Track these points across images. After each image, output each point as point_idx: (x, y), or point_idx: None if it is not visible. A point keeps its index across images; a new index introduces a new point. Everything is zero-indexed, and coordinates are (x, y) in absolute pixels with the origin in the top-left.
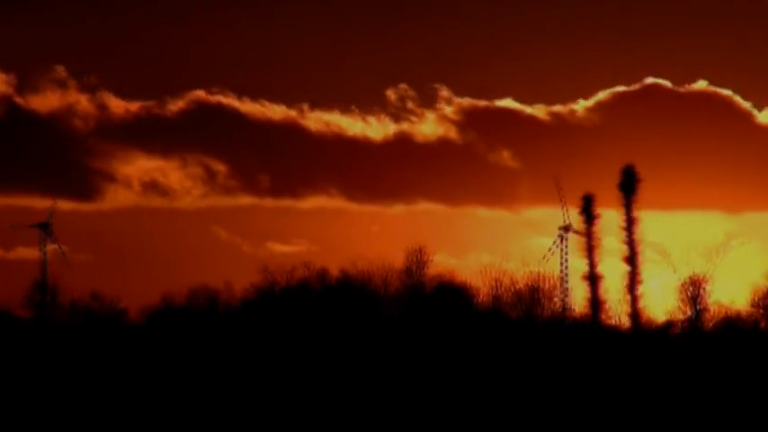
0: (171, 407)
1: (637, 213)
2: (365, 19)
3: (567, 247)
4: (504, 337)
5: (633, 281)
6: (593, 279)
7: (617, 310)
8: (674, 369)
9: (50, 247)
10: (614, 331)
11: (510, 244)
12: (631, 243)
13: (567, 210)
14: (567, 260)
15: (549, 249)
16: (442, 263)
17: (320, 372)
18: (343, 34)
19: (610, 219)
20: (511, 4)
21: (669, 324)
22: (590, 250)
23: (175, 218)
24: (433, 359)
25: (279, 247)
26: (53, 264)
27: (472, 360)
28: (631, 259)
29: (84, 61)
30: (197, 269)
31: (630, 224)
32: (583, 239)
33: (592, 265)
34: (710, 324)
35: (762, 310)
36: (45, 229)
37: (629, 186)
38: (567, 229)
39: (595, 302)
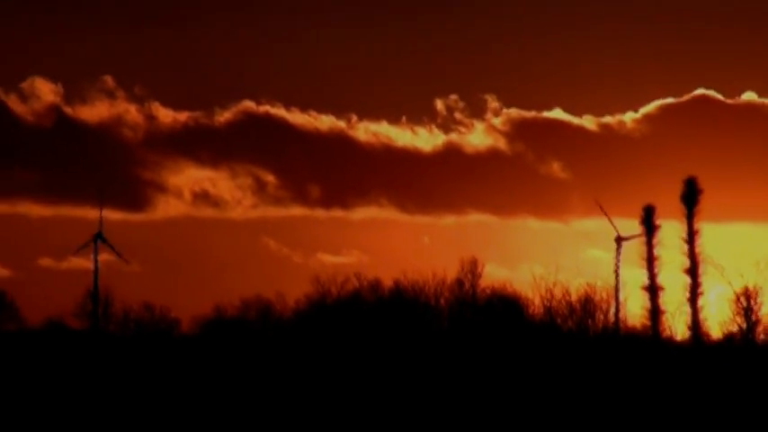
0: (225, 418)
1: (698, 225)
2: (413, 28)
3: (619, 258)
4: (557, 349)
5: (694, 293)
6: (653, 290)
7: (673, 322)
8: (728, 381)
9: (102, 256)
10: (670, 343)
11: (561, 255)
12: (692, 255)
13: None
14: (619, 271)
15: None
16: (494, 274)
17: (373, 383)
18: (390, 44)
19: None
20: (560, 15)
21: (728, 337)
22: (650, 261)
23: (226, 228)
24: (485, 371)
25: (329, 258)
26: (106, 274)
27: (525, 372)
28: (692, 271)
29: (132, 71)
30: (248, 280)
31: (692, 236)
32: (642, 250)
33: (652, 275)
34: (763, 336)
35: None
36: (98, 239)
37: (691, 198)
38: (620, 240)
39: (655, 313)
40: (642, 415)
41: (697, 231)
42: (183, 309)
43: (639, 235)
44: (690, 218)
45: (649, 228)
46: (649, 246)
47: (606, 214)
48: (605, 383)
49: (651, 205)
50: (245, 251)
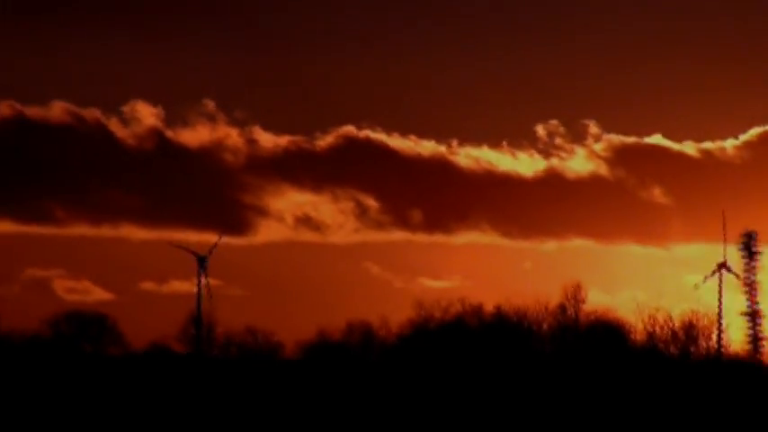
0: None
1: None
2: (513, 54)
3: (722, 284)
4: (659, 375)
5: None
6: (753, 316)
7: None
8: None
9: (205, 280)
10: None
11: (663, 281)
12: None
13: (725, 246)
14: (722, 298)
15: (704, 280)
16: (595, 300)
17: (475, 407)
18: (491, 70)
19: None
20: (660, 42)
21: None
22: (750, 286)
23: (327, 252)
24: (587, 396)
25: (430, 283)
26: (208, 298)
27: (628, 397)
28: None
29: (232, 95)
30: (349, 304)
31: None
32: (742, 277)
33: (752, 301)
34: None
35: None
36: (202, 262)
37: None
38: (723, 266)
39: (755, 339)
40: None
41: None
42: (286, 332)
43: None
44: None
45: (750, 253)
46: (750, 271)
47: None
48: (708, 409)
49: (752, 231)
50: (346, 275)
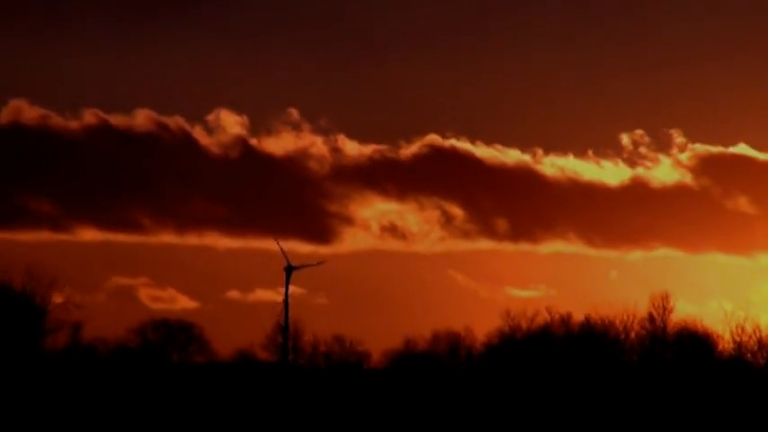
0: None
1: None
2: (598, 63)
3: None
4: (746, 385)
5: None
6: None
7: None
8: None
9: (293, 289)
10: None
11: (749, 290)
12: None
13: None
14: None
15: None
16: (681, 309)
17: (564, 417)
18: (576, 78)
19: None
20: (745, 50)
21: None
22: None
23: (413, 261)
24: (675, 406)
25: (517, 292)
26: (294, 306)
27: (715, 407)
28: None
29: (317, 104)
30: (435, 313)
31: None
32: None
33: None
34: None
35: None
36: (291, 271)
37: None
38: None
39: None
40: None
41: None
42: (371, 341)
43: None
44: None
45: None
46: None
47: None
48: None
49: None
50: (432, 284)
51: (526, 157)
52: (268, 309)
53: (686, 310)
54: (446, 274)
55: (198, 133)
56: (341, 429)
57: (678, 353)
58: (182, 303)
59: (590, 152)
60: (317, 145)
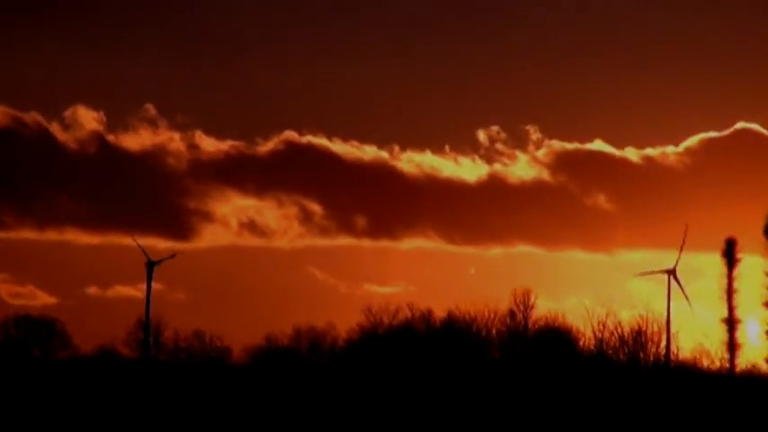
0: None
1: None
2: (454, 59)
3: (670, 291)
4: (607, 381)
5: None
6: (731, 323)
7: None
8: None
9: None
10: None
11: (610, 288)
12: None
13: (680, 254)
14: (670, 304)
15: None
16: (541, 306)
17: (425, 412)
18: (431, 74)
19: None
20: (599, 48)
21: None
22: (729, 294)
23: (272, 257)
24: (536, 402)
25: (376, 288)
26: (154, 302)
27: (576, 403)
28: None
29: (173, 100)
30: (295, 309)
31: None
32: (722, 283)
33: (731, 309)
34: None
35: None
36: (152, 267)
37: None
38: (670, 272)
39: (733, 347)
40: None
41: None
42: (232, 337)
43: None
44: None
45: (730, 260)
46: (729, 278)
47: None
48: (656, 416)
49: (732, 238)
50: (291, 281)
51: (383, 154)
52: (128, 304)
53: (547, 306)
54: (305, 270)
55: (55, 129)
56: (203, 424)
57: (540, 349)
58: (41, 299)
59: (447, 148)
60: (174, 141)
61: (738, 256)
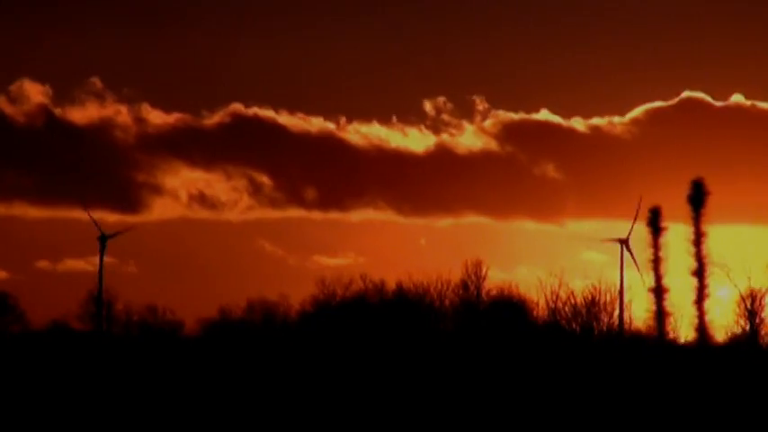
0: (230, 419)
1: (705, 227)
2: (398, 30)
3: (623, 260)
4: (561, 351)
5: (701, 295)
6: (659, 292)
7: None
8: (732, 383)
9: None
10: (675, 345)
11: (560, 257)
12: (699, 256)
13: (632, 224)
14: (623, 273)
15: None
16: (494, 276)
17: (377, 384)
18: (377, 45)
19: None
20: (545, 18)
21: (734, 339)
22: (656, 262)
23: (222, 230)
24: (489, 372)
25: (326, 260)
26: (106, 276)
27: (529, 373)
28: (699, 273)
29: (120, 73)
30: (245, 281)
31: (699, 237)
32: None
33: (658, 277)
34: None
35: None
36: (104, 241)
37: (698, 200)
38: (623, 242)
39: (661, 315)
40: (645, 416)
41: (704, 233)
42: (184, 310)
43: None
44: (697, 219)
45: (656, 229)
46: (656, 247)
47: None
48: (609, 385)
49: (658, 207)
50: (241, 253)
51: (330, 125)
52: (79, 278)
53: (498, 277)
54: (256, 242)
55: (1, 103)
56: (158, 397)
57: (493, 319)
58: None
59: (394, 119)
60: (121, 114)
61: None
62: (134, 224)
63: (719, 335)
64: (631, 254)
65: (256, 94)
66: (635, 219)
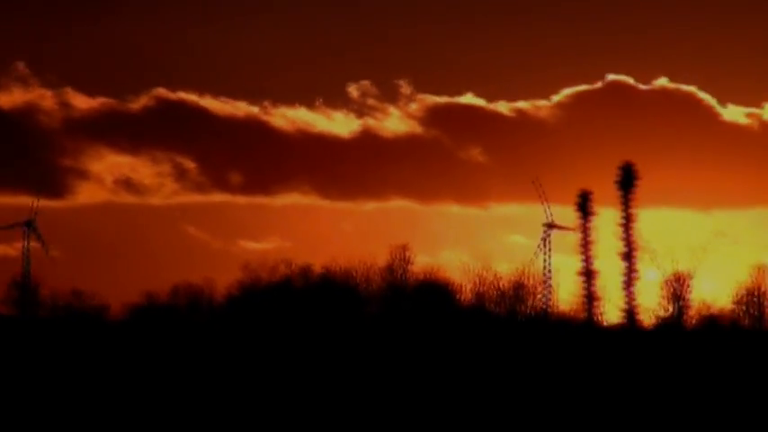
0: (156, 403)
1: (634, 210)
2: (321, 13)
3: (550, 244)
4: (487, 334)
5: (629, 278)
6: (588, 275)
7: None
8: (657, 366)
9: (21, 244)
10: (600, 328)
11: (484, 241)
12: (628, 240)
13: (548, 207)
14: (550, 257)
15: (539, 247)
16: (419, 260)
17: (304, 368)
18: (301, 29)
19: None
20: (470, 1)
21: (660, 321)
22: (586, 246)
23: (147, 214)
24: (416, 356)
25: (251, 245)
26: (32, 261)
27: (456, 356)
28: (628, 256)
29: (44, 58)
30: (171, 265)
31: (628, 221)
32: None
33: (587, 260)
34: (693, 322)
35: (744, 308)
36: (29, 226)
37: (627, 183)
38: (549, 226)
39: (590, 298)
40: (572, 399)
41: (632, 216)
42: (109, 295)
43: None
44: (626, 203)
45: (585, 213)
46: (585, 230)
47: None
48: (535, 367)
49: (587, 191)
50: (166, 237)
51: (254, 109)
52: (2, 263)
53: (423, 260)
54: (180, 227)
55: None
56: (84, 381)
57: (419, 303)
58: None
59: (319, 103)
60: (46, 98)
61: (594, 208)
62: (55, 208)
63: (646, 318)
64: (560, 226)
65: (181, 78)
66: (543, 202)
